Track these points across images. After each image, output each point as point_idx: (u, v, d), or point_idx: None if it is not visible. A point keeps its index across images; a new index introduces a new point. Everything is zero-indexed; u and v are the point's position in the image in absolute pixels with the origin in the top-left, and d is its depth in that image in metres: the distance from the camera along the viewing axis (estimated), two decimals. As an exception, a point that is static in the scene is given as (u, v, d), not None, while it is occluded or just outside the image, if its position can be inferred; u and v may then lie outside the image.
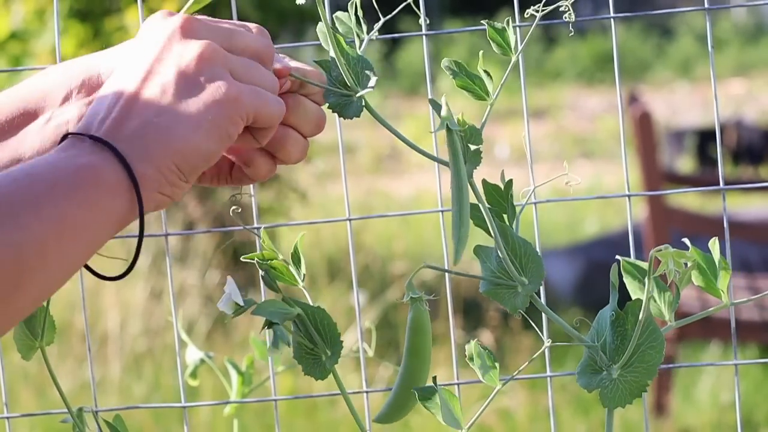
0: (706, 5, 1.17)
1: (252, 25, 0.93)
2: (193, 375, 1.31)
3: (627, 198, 1.19)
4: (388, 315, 4.67)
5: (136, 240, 0.85)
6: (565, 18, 0.96)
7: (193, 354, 1.32)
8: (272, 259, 0.97)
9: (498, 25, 0.96)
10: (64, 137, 0.83)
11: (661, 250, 0.88)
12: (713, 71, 1.19)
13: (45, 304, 0.95)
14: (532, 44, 14.55)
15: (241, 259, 0.99)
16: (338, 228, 5.77)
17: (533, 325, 1.01)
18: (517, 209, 0.96)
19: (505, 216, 0.95)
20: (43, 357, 0.97)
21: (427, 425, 3.60)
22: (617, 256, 0.95)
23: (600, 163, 9.16)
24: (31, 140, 0.92)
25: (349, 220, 1.21)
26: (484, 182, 0.95)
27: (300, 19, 5.35)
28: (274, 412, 1.24)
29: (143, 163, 0.82)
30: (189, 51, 0.86)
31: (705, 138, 8.72)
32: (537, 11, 0.96)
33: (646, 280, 0.90)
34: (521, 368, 0.98)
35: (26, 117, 0.93)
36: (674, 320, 0.95)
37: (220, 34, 0.89)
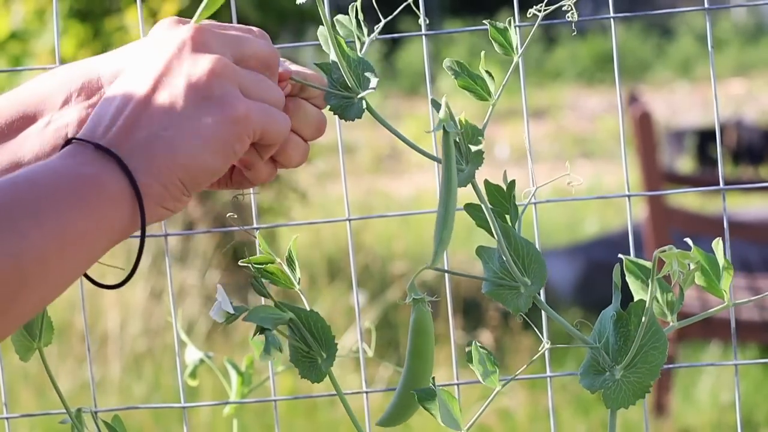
0: (706, 5, 1.17)
1: (254, 30, 0.93)
2: (193, 375, 1.31)
3: (627, 198, 1.19)
4: (388, 315, 4.67)
5: (137, 243, 0.85)
6: (568, 18, 0.96)
7: (193, 354, 1.32)
8: (268, 263, 0.97)
9: (500, 25, 0.96)
10: (68, 142, 0.83)
11: (665, 251, 0.88)
12: (713, 71, 1.18)
13: None
14: (532, 44, 14.55)
15: (238, 263, 0.99)
16: (338, 228, 5.77)
17: (533, 325, 1.01)
18: (519, 210, 0.96)
19: (507, 216, 0.95)
20: (41, 358, 0.97)
21: (428, 425, 3.60)
22: (620, 256, 0.95)
23: (600, 163, 9.16)
24: (30, 144, 0.92)
25: (349, 220, 1.21)
26: (487, 183, 0.94)
27: (300, 19, 5.35)
28: (273, 413, 1.24)
29: (148, 177, 0.82)
30: (200, 65, 0.85)
31: (705, 138, 8.72)
32: (539, 11, 0.96)
33: (650, 280, 0.90)
34: (521, 370, 0.97)
35: (25, 120, 0.93)
36: (676, 321, 0.95)
37: (229, 43, 0.88)
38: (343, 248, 5.63)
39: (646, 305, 0.91)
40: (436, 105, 0.92)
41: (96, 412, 0.99)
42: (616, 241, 5.53)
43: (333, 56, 0.93)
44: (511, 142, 9.47)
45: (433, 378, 0.95)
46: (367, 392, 1.21)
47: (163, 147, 0.82)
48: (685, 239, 0.94)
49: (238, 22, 1.16)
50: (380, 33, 0.96)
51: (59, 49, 1.21)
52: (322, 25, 0.94)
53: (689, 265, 0.89)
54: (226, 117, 0.84)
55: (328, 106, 0.93)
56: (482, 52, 0.95)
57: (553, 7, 0.97)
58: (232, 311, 0.95)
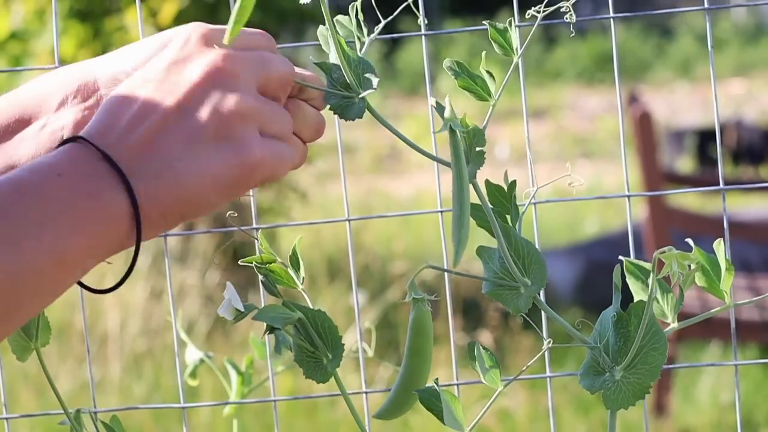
0: (706, 5, 1.17)
1: (262, 33, 0.92)
2: (193, 375, 1.31)
3: (627, 198, 1.19)
4: (388, 315, 4.67)
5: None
6: (567, 18, 0.96)
7: (193, 354, 1.32)
8: (270, 263, 0.97)
9: (500, 25, 0.96)
10: (75, 139, 0.81)
11: (665, 252, 0.88)
12: (713, 71, 1.18)
13: None
14: (532, 44, 14.55)
15: (239, 263, 0.99)
16: (338, 228, 5.77)
17: (533, 325, 1.01)
18: (519, 210, 0.96)
19: (507, 217, 0.95)
20: (39, 358, 0.97)
21: (428, 425, 3.60)
22: (620, 257, 0.95)
23: (600, 163, 9.16)
24: (26, 146, 0.92)
25: (349, 220, 1.21)
26: (487, 183, 0.94)
27: (300, 19, 5.35)
28: (273, 413, 1.24)
29: (149, 204, 0.81)
30: (228, 103, 0.84)
31: (705, 138, 8.72)
32: (538, 12, 0.96)
33: (650, 281, 0.90)
34: (523, 370, 0.98)
35: (21, 123, 0.93)
36: (676, 321, 0.95)
37: (256, 69, 0.87)
38: (343, 248, 5.63)
39: (646, 306, 0.91)
40: (439, 107, 0.92)
41: (96, 413, 0.99)
42: (616, 241, 5.53)
43: (333, 56, 0.93)
44: (511, 142, 9.47)
45: (436, 379, 0.95)
46: (366, 392, 1.21)
47: (173, 178, 0.81)
48: (686, 240, 0.94)
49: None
50: (380, 33, 0.96)
51: (59, 49, 1.21)
52: (323, 25, 0.94)
53: (689, 265, 0.89)
54: (242, 162, 0.83)
55: (329, 106, 0.93)
56: (483, 52, 0.95)
57: (552, 8, 0.97)
58: (242, 309, 0.95)
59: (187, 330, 4.34)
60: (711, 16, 1.16)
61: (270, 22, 4.98)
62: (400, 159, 10.00)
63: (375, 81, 0.92)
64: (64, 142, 0.82)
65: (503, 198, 0.95)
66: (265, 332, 0.95)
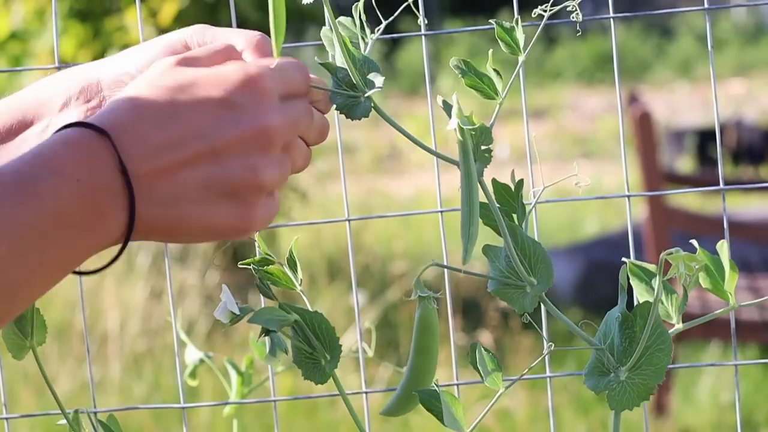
0: (706, 5, 1.17)
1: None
2: (193, 375, 1.31)
3: (627, 198, 1.19)
4: (388, 315, 4.67)
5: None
6: (572, 18, 0.96)
7: (193, 354, 1.32)
8: (268, 264, 0.97)
9: (506, 24, 0.96)
10: (104, 134, 0.80)
11: (671, 253, 0.88)
12: (713, 71, 1.18)
13: (34, 303, 0.95)
14: (532, 44, 14.54)
15: (238, 265, 0.99)
16: (338, 228, 5.77)
17: (534, 325, 1.01)
18: (526, 209, 0.96)
19: (514, 216, 0.95)
20: (35, 357, 0.96)
21: (427, 425, 3.60)
22: (623, 258, 0.95)
23: (600, 163, 9.16)
24: (28, 147, 0.91)
25: (349, 220, 1.21)
26: (494, 182, 0.94)
27: (300, 19, 5.35)
28: (273, 413, 1.24)
29: (143, 227, 0.81)
30: (259, 173, 0.83)
31: (705, 138, 8.72)
32: (544, 11, 0.96)
33: (655, 282, 0.90)
34: (524, 373, 0.98)
35: (24, 124, 0.92)
36: (681, 323, 0.95)
37: (300, 123, 0.87)
38: (343, 248, 5.63)
39: (652, 307, 0.91)
40: (447, 106, 0.91)
41: (95, 413, 0.99)
42: (616, 241, 5.53)
43: (338, 56, 0.93)
44: (511, 142, 9.48)
45: (436, 380, 0.95)
46: (366, 392, 1.21)
47: (175, 215, 0.81)
48: (690, 241, 0.94)
49: (238, 22, 1.16)
50: (380, 33, 0.96)
51: (59, 49, 1.21)
52: (324, 25, 0.94)
53: (694, 267, 0.89)
54: (240, 224, 0.83)
55: (334, 106, 0.93)
56: (489, 51, 0.95)
57: (558, 8, 0.97)
58: (237, 312, 0.95)
59: (187, 330, 4.34)
60: (711, 16, 1.16)
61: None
62: (400, 159, 10.00)
63: (380, 80, 0.92)
64: (87, 126, 0.80)
65: (510, 197, 0.95)
66: (260, 335, 0.95)
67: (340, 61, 0.93)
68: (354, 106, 0.93)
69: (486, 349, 0.94)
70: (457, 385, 1.17)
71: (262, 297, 1.11)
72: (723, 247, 0.94)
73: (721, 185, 1.18)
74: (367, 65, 0.93)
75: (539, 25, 1.00)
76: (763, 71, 13.73)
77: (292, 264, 0.97)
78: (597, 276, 5.20)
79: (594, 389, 0.93)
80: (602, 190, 7.88)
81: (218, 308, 0.95)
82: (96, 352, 4.36)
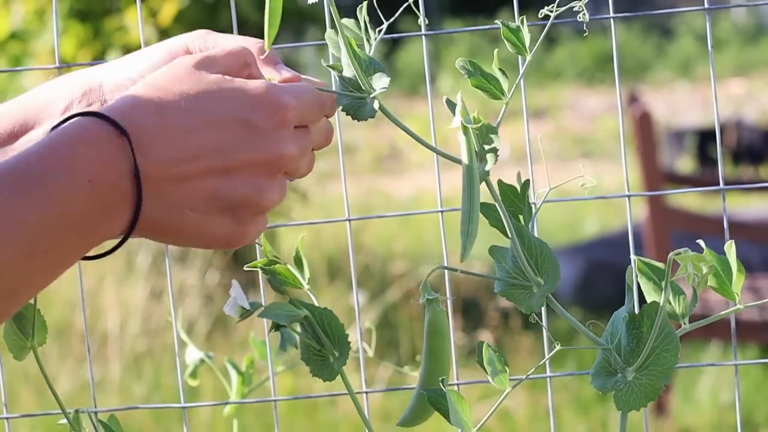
0: (706, 5, 1.17)
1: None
2: (193, 375, 1.31)
3: (627, 198, 1.19)
4: (388, 315, 4.67)
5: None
6: (579, 18, 0.96)
7: (193, 354, 1.32)
8: (274, 264, 0.97)
9: (512, 24, 0.96)
10: (121, 131, 0.80)
11: (680, 253, 0.88)
12: (713, 71, 1.18)
13: (35, 304, 0.95)
14: (532, 44, 14.54)
15: (244, 268, 0.99)
16: (338, 228, 5.77)
17: (541, 323, 1.01)
18: (532, 209, 0.96)
19: (519, 216, 0.95)
20: (36, 357, 0.96)
21: (428, 425, 3.59)
22: (632, 257, 0.95)
23: (600, 163, 9.16)
24: None
25: (349, 220, 1.21)
26: (500, 182, 0.94)
27: (300, 19, 5.35)
28: (273, 412, 1.24)
29: (144, 227, 0.82)
30: (263, 196, 0.84)
31: (705, 138, 8.72)
32: (551, 12, 0.96)
33: (664, 283, 0.90)
34: (531, 371, 0.97)
35: (26, 128, 0.92)
36: (688, 323, 0.95)
37: (308, 150, 0.88)
38: (343, 248, 5.63)
39: (660, 307, 0.90)
40: (451, 104, 0.91)
41: (96, 413, 0.99)
42: (616, 241, 5.53)
43: (344, 57, 0.93)
44: (511, 142, 9.48)
45: (443, 379, 0.95)
46: (367, 392, 1.21)
47: (177, 221, 0.82)
48: (697, 241, 0.94)
49: (238, 22, 1.16)
50: (382, 33, 0.96)
51: (59, 49, 1.21)
52: (324, 25, 0.94)
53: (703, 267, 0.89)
54: (233, 237, 0.85)
55: (340, 108, 0.93)
56: (495, 51, 0.95)
57: (564, 8, 0.97)
58: (248, 307, 0.95)
59: (187, 330, 4.34)
60: (711, 16, 1.16)
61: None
62: (400, 159, 10.01)
63: (386, 80, 0.92)
64: (105, 119, 0.80)
65: (516, 198, 0.95)
66: (270, 329, 0.95)
67: (345, 62, 0.93)
68: (360, 107, 0.93)
69: (493, 349, 0.94)
70: (458, 384, 1.17)
71: (262, 296, 1.11)
72: (731, 248, 0.94)
73: (721, 185, 1.18)
74: (373, 66, 0.93)
75: (542, 24, 0.99)
76: (763, 71, 13.73)
77: (298, 263, 0.98)
78: (597, 276, 5.20)
79: (601, 389, 0.93)
80: (602, 190, 7.88)
81: (228, 303, 0.95)
82: (96, 352, 4.36)
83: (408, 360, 4.34)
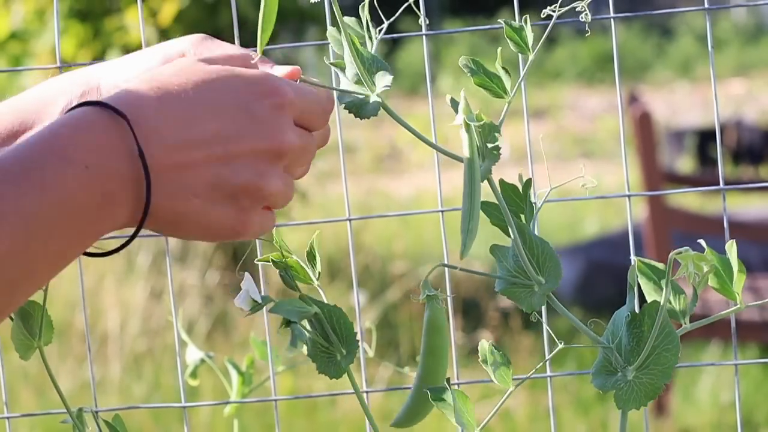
0: (706, 5, 1.17)
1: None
2: (193, 375, 1.31)
3: (627, 198, 1.19)
4: (388, 315, 4.67)
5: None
6: (581, 18, 0.97)
7: (193, 354, 1.32)
8: (287, 258, 0.97)
9: (515, 24, 0.96)
10: (122, 117, 0.79)
11: (681, 253, 0.88)
12: (713, 71, 1.19)
13: (42, 303, 0.95)
14: (534, 44, 14.54)
15: (254, 261, 0.99)
16: (338, 228, 5.77)
17: (542, 322, 1.01)
18: (534, 208, 0.96)
19: (521, 215, 0.95)
20: (42, 357, 0.96)
21: (427, 425, 3.60)
22: (632, 257, 0.95)
23: (600, 163, 9.16)
24: None
25: (349, 220, 1.22)
26: (502, 182, 0.94)
27: (300, 19, 5.35)
28: (274, 412, 1.24)
29: (151, 221, 0.82)
30: (265, 184, 0.84)
31: (705, 138, 8.72)
32: (553, 11, 0.96)
33: (664, 282, 0.90)
34: (532, 371, 0.97)
35: (25, 127, 0.92)
36: (688, 323, 0.95)
37: (309, 152, 0.88)
38: (343, 248, 5.63)
39: (661, 307, 0.91)
40: (454, 103, 0.91)
41: (97, 412, 0.99)
42: (616, 241, 5.53)
43: (347, 56, 0.93)
44: (512, 142, 9.48)
45: (448, 378, 0.95)
46: (367, 392, 1.21)
47: (182, 208, 0.82)
48: (698, 241, 0.94)
49: (238, 22, 1.16)
50: (382, 33, 0.96)
51: (59, 49, 1.21)
52: (324, 25, 0.94)
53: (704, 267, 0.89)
54: (234, 227, 0.85)
55: (343, 106, 0.93)
56: (498, 50, 0.95)
57: (566, 8, 0.97)
58: (259, 300, 0.95)
59: (188, 330, 4.34)
60: (711, 16, 1.16)
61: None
62: (400, 159, 10.01)
63: (389, 78, 0.92)
64: (102, 106, 0.80)
65: (517, 197, 0.95)
66: (281, 326, 0.94)
67: (347, 60, 0.93)
68: (363, 106, 0.93)
69: (496, 348, 0.94)
70: (458, 384, 1.17)
71: (264, 293, 1.11)
72: (732, 248, 0.94)
73: (721, 185, 1.19)
74: (376, 64, 0.93)
75: (543, 24, 1.00)
76: (763, 71, 13.73)
77: (311, 258, 0.98)
78: (597, 276, 5.20)
79: (601, 388, 0.93)
80: (602, 190, 7.88)
81: (239, 296, 0.95)
82: (96, 352, 4.36)
83: (408, 360, 4.34)
